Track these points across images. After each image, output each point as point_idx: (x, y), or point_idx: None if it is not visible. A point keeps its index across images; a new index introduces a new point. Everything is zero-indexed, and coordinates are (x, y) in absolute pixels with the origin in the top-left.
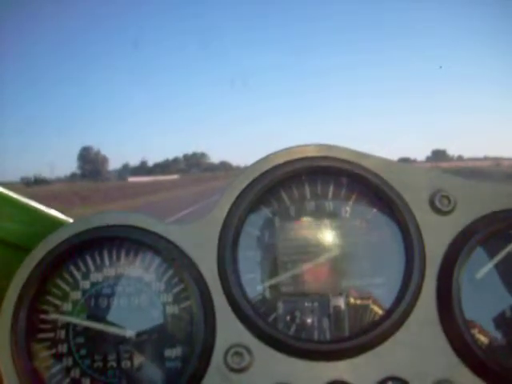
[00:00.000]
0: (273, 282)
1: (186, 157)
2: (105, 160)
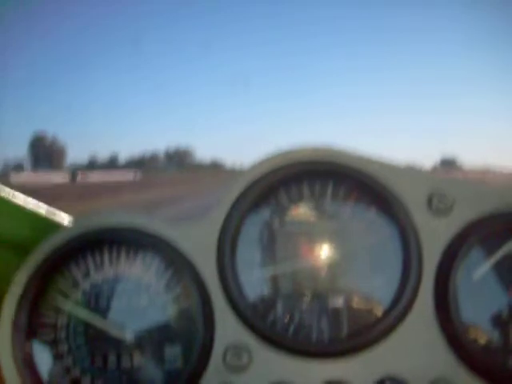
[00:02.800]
0: (271, 282)
1: (167, 153)
2: (62, 151)
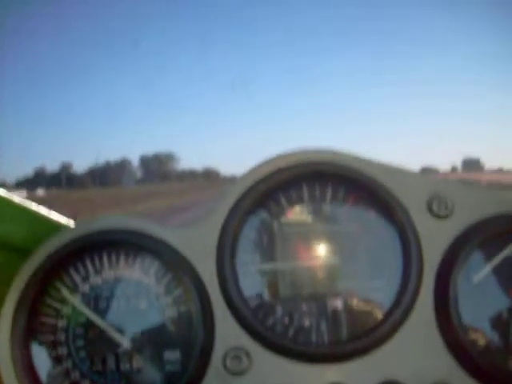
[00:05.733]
0: (271, 285)
1: (143, 160)
2: None
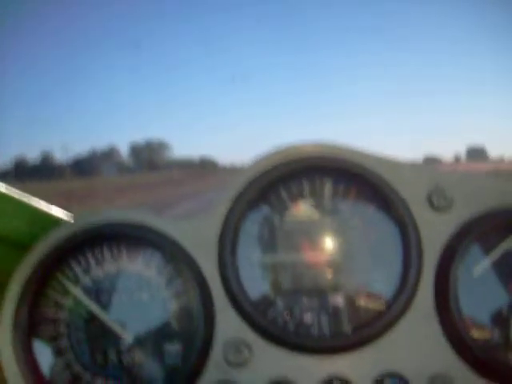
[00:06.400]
0: (272, 278)
1: (134, 148)
2: None
